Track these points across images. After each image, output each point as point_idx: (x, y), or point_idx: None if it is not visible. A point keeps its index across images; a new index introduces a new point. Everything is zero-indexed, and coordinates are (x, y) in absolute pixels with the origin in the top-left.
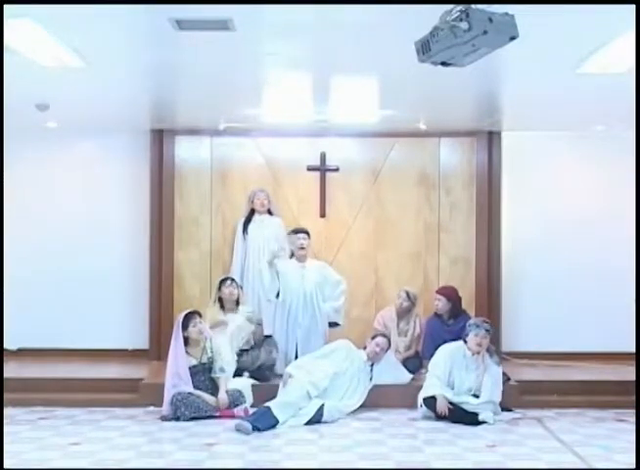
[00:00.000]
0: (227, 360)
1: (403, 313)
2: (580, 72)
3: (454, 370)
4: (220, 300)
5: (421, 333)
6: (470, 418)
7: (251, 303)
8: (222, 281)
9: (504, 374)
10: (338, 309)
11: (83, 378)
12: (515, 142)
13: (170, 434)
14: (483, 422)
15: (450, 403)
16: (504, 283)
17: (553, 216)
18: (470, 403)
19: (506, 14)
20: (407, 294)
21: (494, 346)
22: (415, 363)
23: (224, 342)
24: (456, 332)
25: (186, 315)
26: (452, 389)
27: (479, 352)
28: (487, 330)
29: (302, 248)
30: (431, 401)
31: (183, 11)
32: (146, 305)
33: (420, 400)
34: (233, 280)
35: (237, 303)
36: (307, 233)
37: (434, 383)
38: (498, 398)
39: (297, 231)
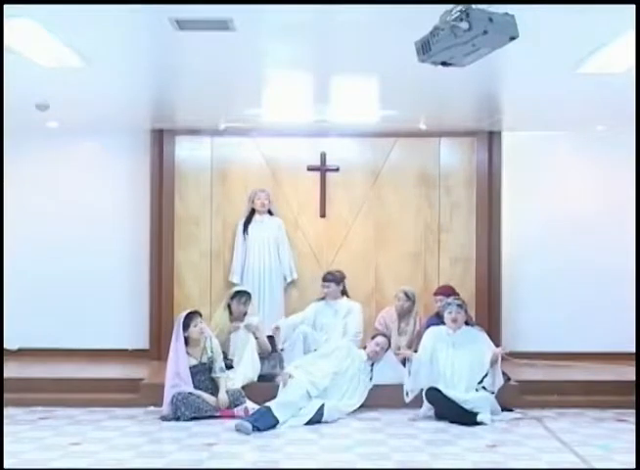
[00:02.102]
0: (254, 366)
1: (404, 313)
2: (580, 72)
3: (440, 348)
4: (229, 306)
5: (421, 330)
6: (468, 418)
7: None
8: (237, 294)
9: (504, 374)
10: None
11: (83, 378)
12: (515, 142)
13: (170, 434)
14: (481, 423)
15: (450, 401)
16: (504, 283)
17: (553, 216)
18: (470, 402)
19: (506, 14)
20: (406, 294)
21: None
22: None
23: (252, 349)
24: None
25: (187, 315)
26: (445, 370)
27: (459, 328)
28: (459, 305)
29: (326, 294)
30: (431, 395)
31: (183, 11)
32: (146, 305)
33: (422, 396)
34: (249, 297)
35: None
36: (330, 280)
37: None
38: (498, 361)
39: (323, 278)
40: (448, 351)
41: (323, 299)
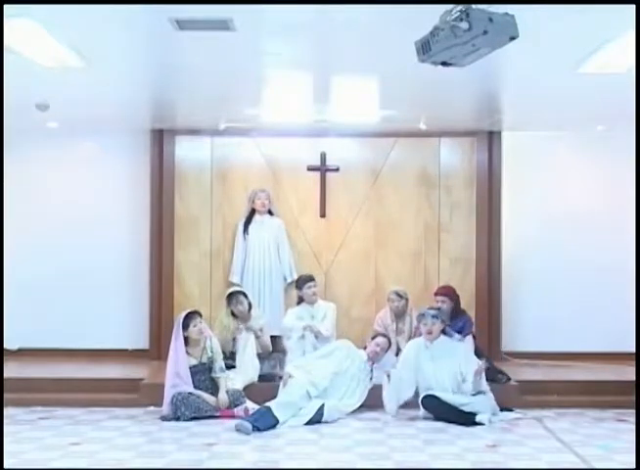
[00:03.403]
0: (254, 365)
1: (400, 314)
2: (580, 72)
3: (422, 361)
4: (232, 312)
5: (418, 327)
6: (466, 418)
7: (258, 310)
8: (231, 298)
9: (504, 374)
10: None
11: (83, 378)
12: (515, 142)
13: (170, 434)
14: (480, 423)
15: (447, 405)
16: (504, 283)
17: (553, 216)
18: (469, 405)
19: (506, 14)
20: (397, 294)
21: (487, 346)
22: None
23: (252, 349)
24: (456, 332)
25: (187, 315)
26: (426, 382)
27: (436, 338)
28: (434, 316)
29: (314, 294)
30: (428, 402)
31: (183, 11)
32: (146, 305)
33: (419, 403)
34: (243, 295)
35: (249, 310)
36: (315, 279)
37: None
38: (476, 367)
39: (305, 280)
40: (428, 363)
41: (300, 303)
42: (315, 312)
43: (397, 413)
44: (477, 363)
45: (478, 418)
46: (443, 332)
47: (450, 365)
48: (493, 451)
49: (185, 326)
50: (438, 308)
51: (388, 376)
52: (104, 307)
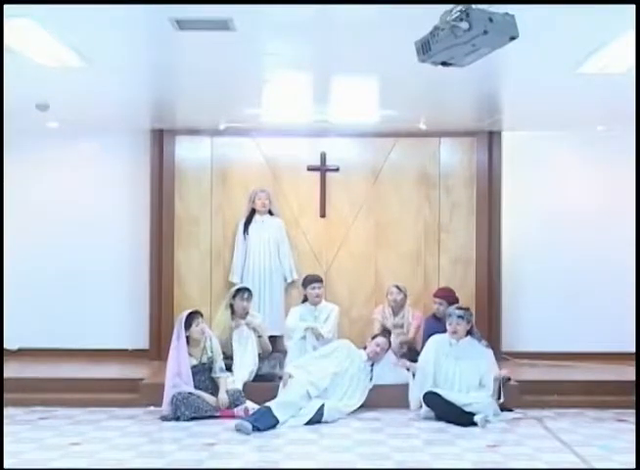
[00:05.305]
0: (250, 362)
1: (398, 308)
2: (580, 72)
3: (442, 358)
4: (231, 305)
5: (417, 325)
6: (466, 418)
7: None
8: (239, 291)
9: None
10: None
11: (83, 378)
12: (515, 142)
13: (170, 434)
14: (477, 423)
15: (449, 404)
16: (504, 283)
17: (553, 216)
18: (472, 404)
19: (506, 14)
20: (397, 287)
21: (491, 342)
22: (410, 359)
23: (253, 348)
24: None
25: (189, 315)
26: (446, 380)
27: (461, 338)
28: (460, 316)
29: (318, 296)
30: (431, 399)
31: (183, 11)
32: (146, 305)
33: (420, 400)
34: (250, 293)
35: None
36: (321, 281)
37: (422, 381)
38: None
39: (310, 281)
40: (450, 361)
41: (304, 302)
42: (318, 313)
43: (399, 412)
44: (497, 373)
45: (475, 418)
46: (470, 333)
47: (473, 367)
48: (493, 451)
49: (187, 326)
50: (467, 309)
51: (414, 375)
52: (104, 307)
